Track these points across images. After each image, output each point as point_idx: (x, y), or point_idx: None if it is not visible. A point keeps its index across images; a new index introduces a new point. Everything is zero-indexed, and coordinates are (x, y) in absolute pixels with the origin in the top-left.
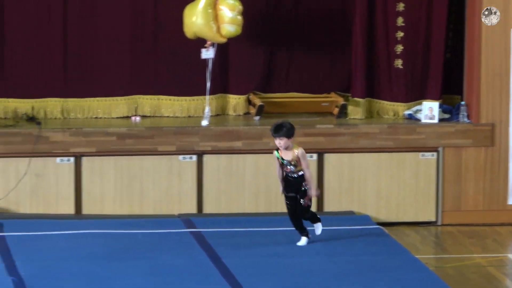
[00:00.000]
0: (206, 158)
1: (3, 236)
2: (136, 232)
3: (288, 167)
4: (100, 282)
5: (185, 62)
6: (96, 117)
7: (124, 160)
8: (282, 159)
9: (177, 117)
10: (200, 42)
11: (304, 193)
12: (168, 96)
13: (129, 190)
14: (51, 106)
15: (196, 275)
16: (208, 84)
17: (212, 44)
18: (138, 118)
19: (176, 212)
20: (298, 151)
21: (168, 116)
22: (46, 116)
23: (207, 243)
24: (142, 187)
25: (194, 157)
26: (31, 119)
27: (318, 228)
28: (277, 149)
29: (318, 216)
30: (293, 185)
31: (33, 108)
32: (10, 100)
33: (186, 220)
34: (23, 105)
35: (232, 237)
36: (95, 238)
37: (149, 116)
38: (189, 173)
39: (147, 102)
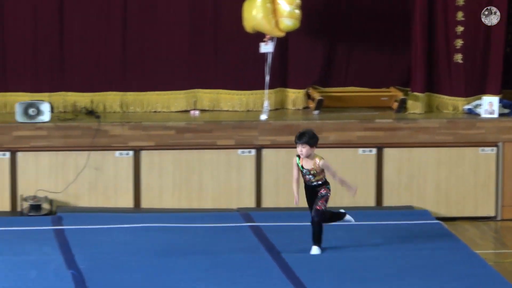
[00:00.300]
0: (265, 152)
1: (62, 229)
2: (195, 226)
3: (307, 176)
4: (158, 276)
5: (244, 56)
6: (155, 111)
7: (183, 154)
8: (302, 167)
9: (236, 111)
10: (260, 36)
11: (320, 198)
12: (227, 90)
13: (187, 184)
14: (110, 99)
15: (254, 269)
16: (267, 78)
17: (271, 38)
18: (197, 112)
19: (234, 206)
20: (320, 162)
21: (227, 110)
22: (105, 110)
23: (266, 237)
24: (201, 181)
25: (253, 151)
26: (90, 112)
27: (315, 250)
28: (299, 156)
29: (321, 237)
30: (312, 191)
31: (92, 101)
32: (70, 93)
33: (244, 214)
34: (83, 99)
35: (291, 231)
36: (154, 232)
37: (208, 110)
38: (248, 167)
39: (206, 96)
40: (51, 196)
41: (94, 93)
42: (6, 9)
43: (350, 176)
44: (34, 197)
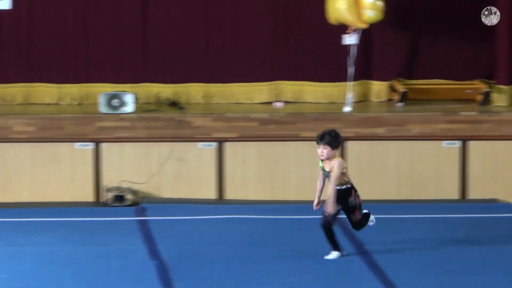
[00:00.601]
0: (349, 144)
1: (146, 220)
2: (278, 218)
3: (328, 178)
4: (241, 267)
5: (328, 48)
6: (238, 103)
7: (266, 146)
8: (324, 169)
9: (319, 103)
10: (343, 28)
11: (353, 209)
12: (310, 82)
13: (271, 175)
14: (193, 91)
15: (337, 261)
16: (351, 70)
17: (355, 30)
18: (280, 104)
19: None
20: (335, 160)
21: (310, 102)
22: (188, 101)
23: (349, 229)
24: (284, 173)
25: None
26: (173, 104)
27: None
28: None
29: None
30: (337, 198)
31: (175, 93)
32: (153, 85)
33: None
34: (166, 90)
35: (374, 224)
36: (237, 223)
37: (291, 102)
38: None
39: (290, 88)
40: (134, 187)
41: (177, 84)
42: (91, 1)
43: (434, 168)
44: (118, 188)
